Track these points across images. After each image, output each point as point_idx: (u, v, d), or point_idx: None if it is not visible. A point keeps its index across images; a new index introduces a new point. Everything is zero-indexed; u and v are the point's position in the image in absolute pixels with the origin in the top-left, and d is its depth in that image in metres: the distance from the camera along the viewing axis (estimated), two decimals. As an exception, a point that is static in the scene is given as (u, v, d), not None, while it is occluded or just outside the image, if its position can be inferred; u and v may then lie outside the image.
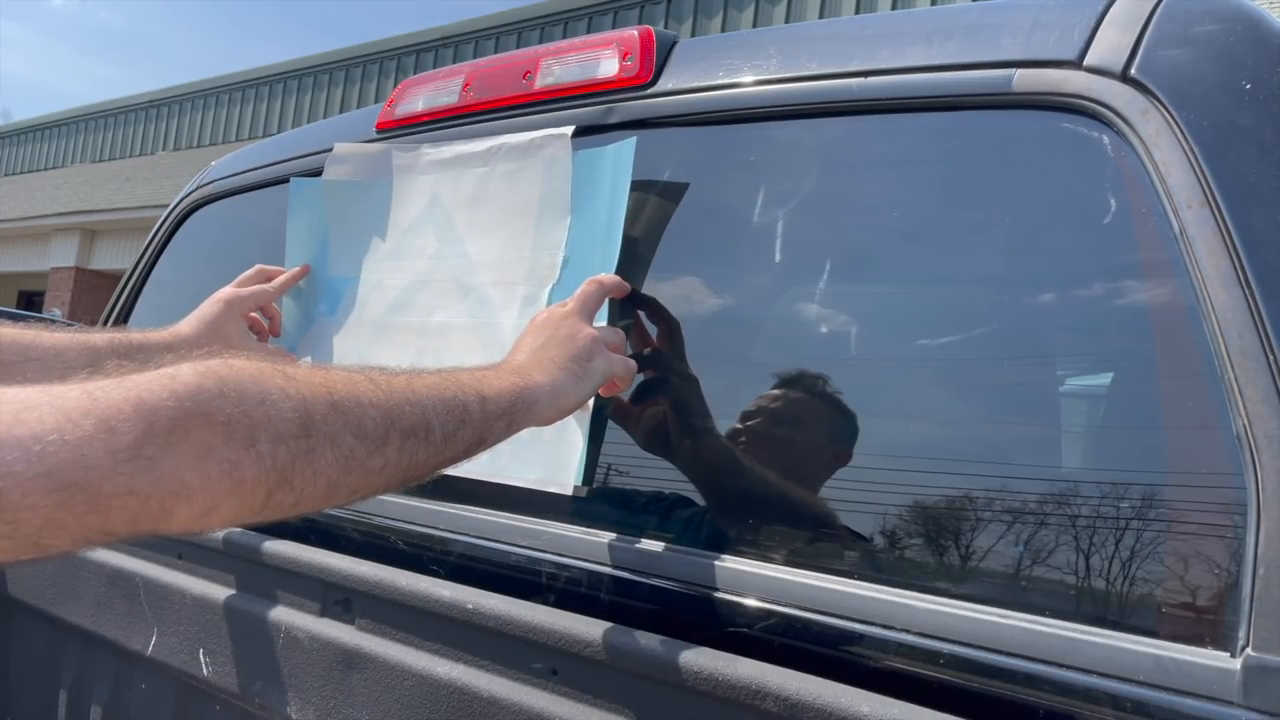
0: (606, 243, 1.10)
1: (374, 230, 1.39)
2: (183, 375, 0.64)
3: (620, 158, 1.12)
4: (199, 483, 0.62)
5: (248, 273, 1.42)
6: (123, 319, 1.90)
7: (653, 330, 1.11)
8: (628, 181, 1.10)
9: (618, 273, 1.08)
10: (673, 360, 1.10)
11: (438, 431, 0.78)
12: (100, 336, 1.25)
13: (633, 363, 1.04)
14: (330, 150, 1.50)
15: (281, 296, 1.44)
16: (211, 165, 1.91)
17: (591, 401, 1.04)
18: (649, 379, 1.10)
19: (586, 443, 1.05)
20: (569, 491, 1.04)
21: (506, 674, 1.01)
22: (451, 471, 0.93)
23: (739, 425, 1.05)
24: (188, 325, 1.35)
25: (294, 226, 1.48)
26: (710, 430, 1.07)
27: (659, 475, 1.12)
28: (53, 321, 1.46)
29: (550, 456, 1.07)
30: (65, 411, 0.59)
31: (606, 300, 1.07)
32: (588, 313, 1.02)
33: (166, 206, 1.95)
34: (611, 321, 1.08)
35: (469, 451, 0.83)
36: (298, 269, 1.44)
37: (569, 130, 1.18)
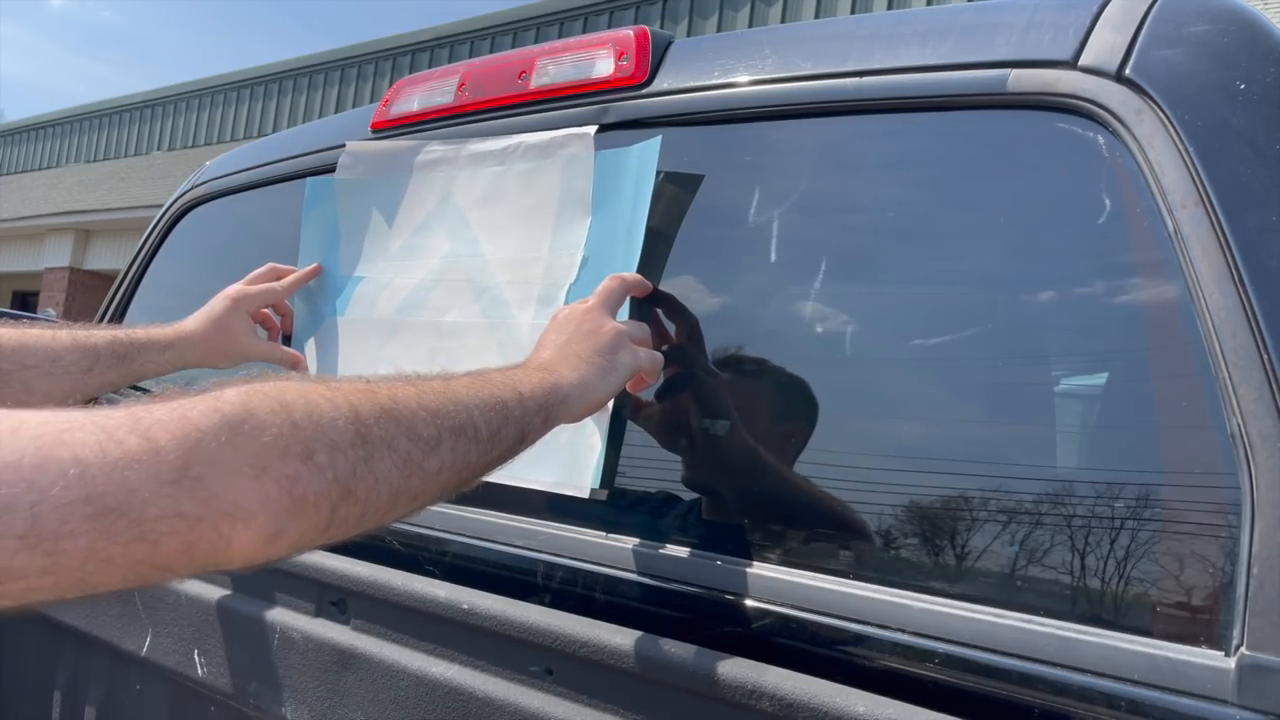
0: (629, 243, 1.09)
1: (385, 229, 1.38)
2: (227, 395, 0.62)
3: (645, 157, 1.11)
4: (257, 503, 0.59)
5: (259, 270, 1.42)
6: (117, 319, 1.90)
7: (670, 328, 1.10)
8: (651, 181, 1.09)
9: (638, 272, 1.07)
10: (689, 359, 1.10)
11: (484, 429, 0.76)
12: (100, 335, 1.24)
13: (659, 356, 1.02)
14: (328, 149, 1.50)
15: (293, 295, 1.43)
16: (206, 165, 1.90)
17: (611, 401, 1.03)
18: (666, 378, 1.09)
19: (605, 445, 1.04)
20: (586, 495, 1.04)
21: (502, 674, 1.01)
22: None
23: (743, 426, 1.05)
24: (193, 322, 1.35)
25: (308, 225, 1.48)
26: (715, 431, 1.07)
27: (657, 474, 1.12)
28: (50, 322, 1.46)
29: (567, 459, 1.06)
30: (108, 430, 0.56)
31: (629, 299, 1.06)
32: (610, 308, 1.01)
33: (161, 207, 1.95)
34: (634, 317, 1.07)
35: (512, 450, 0.82)
36: (308, 268, 1.43)
37: (591, 130, 1.17)
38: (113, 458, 0.55)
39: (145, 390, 1.77)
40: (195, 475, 0.57)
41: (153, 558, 0.56)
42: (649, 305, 1.09)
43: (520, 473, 1.10)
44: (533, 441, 0.85)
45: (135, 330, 1.29)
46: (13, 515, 0.52)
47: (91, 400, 1.23)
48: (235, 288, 1.38)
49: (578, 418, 0.92)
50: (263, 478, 0.60)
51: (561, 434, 1.06)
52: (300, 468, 0.62)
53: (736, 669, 0.84)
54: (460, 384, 0.78)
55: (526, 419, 0.82)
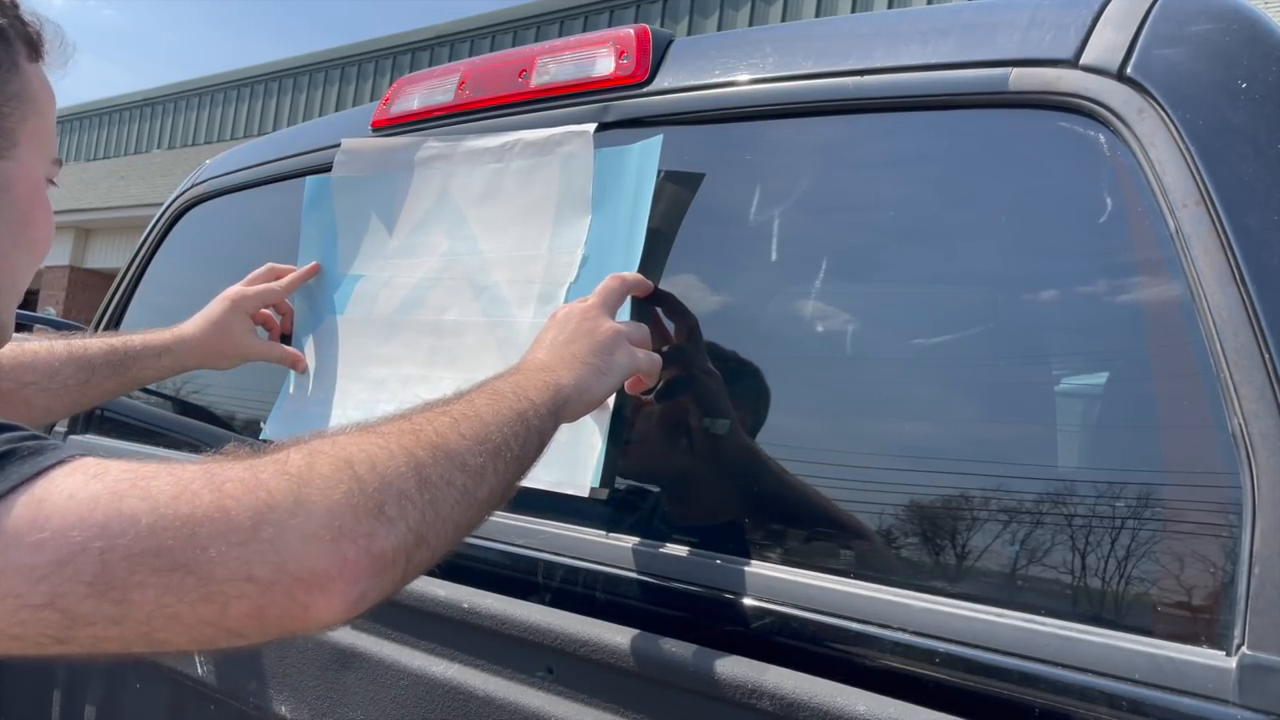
0: (629, 242, 1.09)
1: (383, 227, 1.38)
2: (292, 457, 0.62)
3: (645, 156, 1.11)
4: (335, 568, 0.58)
5: (258, 271, 1.42)
6: (117, 318, 1.90)
7: (670, 328, 1.10)
8: (652, 180, 1.08)
9: (639, 271, 1.07)
10: (690, 359, 1.09)
11: (515, 445, 0.77)
12: (96, 346, 1.24)
13: (658, 357, 1.02)
14: (327, 148, 1.49)
15: (292, 294, 1.43)
16: (205, 164, 1.90)
17: (611, 401, 1.03)
18: (667, 378, 1.09)
19: (605, 444, 1.04)
20: (585, 494, 1.03)
21: (502, 673, 1.01)
22: None
23: (743, 425, 1.05)
24: (192, 325, 1.35)
25: (307, 225, 1.47)
26: (715, 431, 1.07)
27: (656, 473, 1.11)
28: (48, 322, 1.47)
29: (568, 458, 1.06)
30: (184, 483, 0.56)
31: (629, 298, 1.06)
32: (609, 307, 1.00)
33: (161, 205, 1.95)
34: (635, 316, 1.06)
35: (535, 458, 0.82)
36: (307, 268, 1.43)
37: (590, 128, 1.17)
38: (185, 512, 0.55)
39: (162, 395, 1.77)
40: (266, 538, 0.56)
41: (221, 620, 0.56)
42: (649, 305, 1.09)
43: None
44: (546, 446, 0.85)
45: (132, 337, 1.30)
46: (84, 560, 0.53)
47: (94, 409, 1.24)
48: (233, 289, 1.38)
49: (575, 418, 0.93)
50: (340, 540, 0.58)
51: (562, 433, 1.06)
52: (375, 524, 0.61)
53: (737, 668, 0.84)
54: (482, 403, 0.78)
55: (542, 425, 0.83)
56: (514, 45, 10.27)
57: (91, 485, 0.55)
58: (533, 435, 0.80)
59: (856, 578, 0.88)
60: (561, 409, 0.87)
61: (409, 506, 0.63)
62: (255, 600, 0.56)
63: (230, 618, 0.56)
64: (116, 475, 0.56)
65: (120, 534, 0.54)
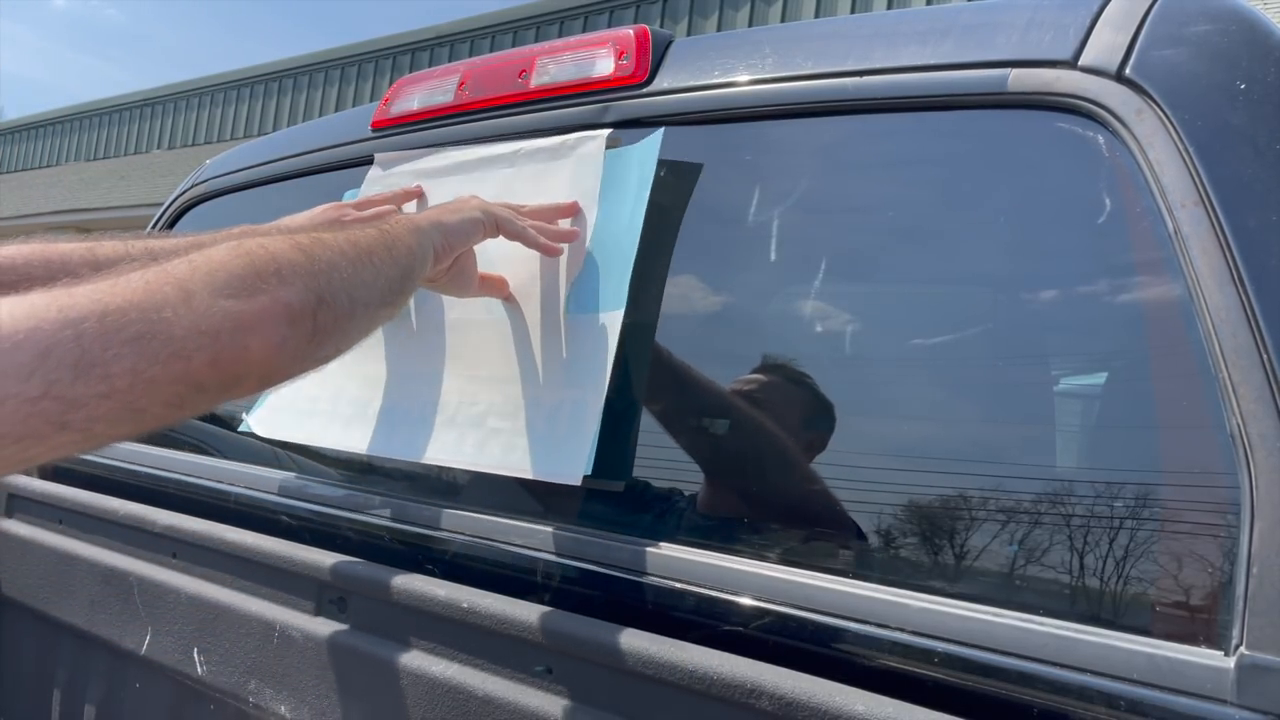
0: (627, 236, 1.10)
1: None
2: (189, 255, 0.71)
3: (645, 154, 1.12)
4: (256, 315, 0.69)
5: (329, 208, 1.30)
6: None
7: (667, 323, 1.10)
8: (651, 176, 1.10)
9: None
10: (689, 359, 1.10)
11: (380, 249, 0.87)
12: (138, 249, 1.10)
13: (513, 213, 1.11)
14: (328, 148, 1.50)
15: None
16: (206, 164, 1.90)
17: (603, 396, 1.04)
18: (667, 375, 1.09)
19: (597, 434, 1.04)
20: (578, 483, 1.03)
21: (501, 673, 1.01)
22: (462, 465, 1.03)
23: (733, 424, 1.05)
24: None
25: None
26: (706, 428, 1.07)
27: (654, 473, 1.12)
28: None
29: (560, 449, 1.06)
30: (103, 286, 0.64)
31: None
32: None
33: (161, 205, 1.95)
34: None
35: (410, 266, 0.92)
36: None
37: (604, 134, 1.18)
38: (123, 297, 0.63)
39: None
40: (197, 303, 0.66)
41: (187, 374, 0.65)
42: (647, 300, 1.10)
43: (516, 463, 1.10)
44: (421, 266, 0.95)
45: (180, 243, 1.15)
46: (63, 348, 0.59)
47: None
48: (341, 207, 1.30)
49: (440, 249, 0.99)
50: (253, 294, 0.69)
51: (559, 425, 1.06)
52: (276, 280, 0.72)
53: (736, 668, 0.84)
54: (336, 231, 0.87)
55: (406, 239, 0.93)
56: (514, 45, 10.27)
57: (21, 303, 0.60)
58: (398, 246, 0.90)
59: (855, 577, 0.88)
60: (420, 233, 0.96)
61: (301, 272, 0.74)
62: (211, 350, 0.66)
63: (195, 370, 0.65)
64: (38, 295, 0.61)
65: (82, 320, 0.60)
